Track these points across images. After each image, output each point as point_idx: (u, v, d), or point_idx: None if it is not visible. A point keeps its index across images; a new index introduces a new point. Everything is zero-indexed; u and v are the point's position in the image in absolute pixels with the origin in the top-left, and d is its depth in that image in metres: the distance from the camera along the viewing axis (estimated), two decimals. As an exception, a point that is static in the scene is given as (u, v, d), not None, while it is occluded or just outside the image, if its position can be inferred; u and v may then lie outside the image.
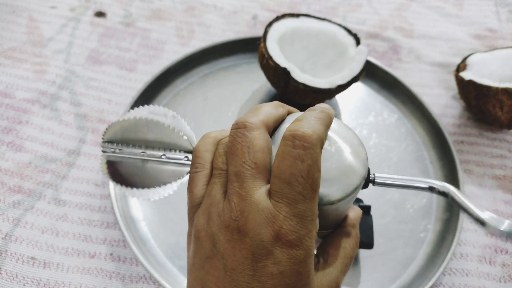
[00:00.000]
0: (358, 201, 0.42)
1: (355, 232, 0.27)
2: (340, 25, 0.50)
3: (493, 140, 0.51)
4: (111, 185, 0.42)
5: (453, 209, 0.44)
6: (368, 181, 0.26)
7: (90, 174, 0.45)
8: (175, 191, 0.28)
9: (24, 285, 0.38)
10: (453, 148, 0.47)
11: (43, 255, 0.40)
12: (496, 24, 0.65)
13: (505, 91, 0.46)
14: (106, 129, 0.27)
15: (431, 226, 0.43)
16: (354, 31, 0.51)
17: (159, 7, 0.63)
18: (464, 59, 0.53)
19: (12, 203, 0.43)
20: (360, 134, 0.50)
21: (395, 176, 0.27)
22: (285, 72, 0.44)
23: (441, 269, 0.39)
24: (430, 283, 0.38)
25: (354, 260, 0.41)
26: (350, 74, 0.46)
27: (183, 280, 0.39)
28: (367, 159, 0.25)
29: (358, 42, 0.48)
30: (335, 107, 0.52)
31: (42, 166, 0.45)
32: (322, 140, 0.22)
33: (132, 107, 0.48)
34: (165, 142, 0.28)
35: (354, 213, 0.29)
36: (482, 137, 0.51)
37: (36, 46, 0.57)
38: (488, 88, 0.47)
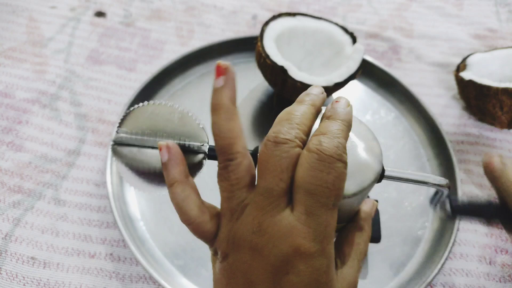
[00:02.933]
0: None
1: (368, 226, 0.27)
2: (336, 24, 0.50)
3: (493, 140, 0.51)
4: (109, 185, 0.42)
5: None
6: (382, 175, 0.26)
7: (90, 174, 0.45)
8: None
9: (24, 285, 0.38)
10: (450, 146, 0.47)
11: (43, 255, 0.40)
12: (496, 24, 0.65)
13: (505, 91, 0.45)
14: (121, 119, 0.27)
15: (428, 224, 0.44)
16: (354, 31, 0.51)
17: (159, 7, 0.63)
18: (464, 59, 0.53)
19: (12, 203, 0.43)
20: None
21: (404, 171, 0.27)
22: (282, 71, 0.44)
23: (439, 267, 0.39)
24: (428, 281, 0.38)
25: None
26: (347, 72, 0.46)
27: (182, 280, 0.39)
28: (382, 154, 0.25)
29: (354, 40, 0.48)
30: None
31: (42, 166, 0.46)
32: (345, 153, 0.22)
33: (130, 107, 0.48)
34: (180, 131, 0.27)
35: (367, 206, 0.28)
36: (482, 137, 0.51)
37: (36, 46, 0.57)
38: (488, 88, 0.47)
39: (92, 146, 0.47)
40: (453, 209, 0.32)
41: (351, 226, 0.27)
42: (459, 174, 0.45)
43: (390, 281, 0.40)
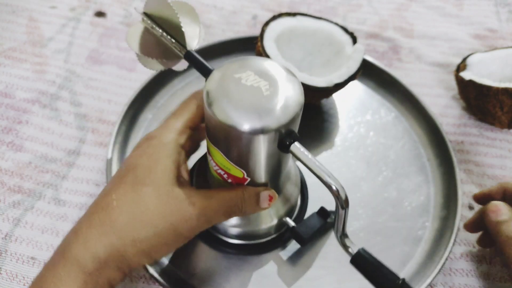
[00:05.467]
0: (322, 210, 0.40)
1: (240, 191, 0.32)
2: (337, 24, 0.50)
3: (493, 140, 0.51)
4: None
5: (450, 207, 0.44)
6: (284, 140, 0.27)
7: (90, 174, 0.45)
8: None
9: (24, 285, 0.38)
10: (450, 146, 0.47)
11: (43, 255, 0.40)
12: (496, 24, 0.65)
13: (505, 91, 0.46)
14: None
15: (428, 224, 0.43)
16: (354, 31, 0.51)
17: (159, 7, 0.63)
18: (464, 59, 0.53)
19: (12, 203, 0.43)
20: (357, 132, 0.50)
21: (310, 157, 0.28)
22: (283, 72, 0.44)
23: (439, 267, 0.39)
24: (429, 281, 0.38)
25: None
26: (347, 73, 0.46)
27: (182, 279, 0.39)
28: (302, 93, 0.27)
29: (354, 40, 0.48)
30: (332, 105, 0.52)
31: (42, 166, 0.46)
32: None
33: (130, 107, 0.48)
34: (175, 30, 0.32)
35: (263, 187, 0.33)
36: (482, 137, 0.51)
37: (36, 46, 0.57)
38: (488, 88, 0.47)
39: (92, 146, 0.47)
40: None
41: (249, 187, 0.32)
42: (459, 174, 0.45)
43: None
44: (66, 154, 0.47)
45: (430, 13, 0.66)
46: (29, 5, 0.62)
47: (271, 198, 0.33)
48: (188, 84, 0.53)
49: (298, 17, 0.49)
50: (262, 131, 0.25)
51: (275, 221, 0.38)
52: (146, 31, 0.34)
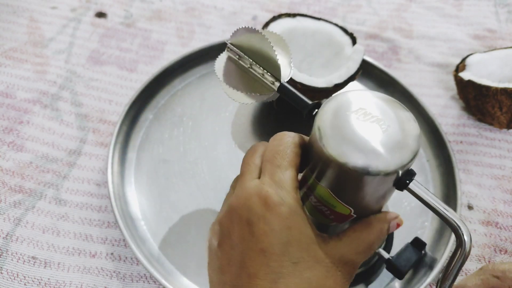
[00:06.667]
0: (417, 241, 0.38)
1: (379, 226, 0.29)
2: (336, 24, 0.50)
3: (492, 140, 0.51)
4: (110, 184, 0.42)
5: (449, 207, 0.44)
6: (403, 179, 0.25)
7: (91, 174, 0.46)
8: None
9: (25, 284, 0.38)
10: (449, 146, 0.47)
11: (44, 254, 0.40)
12: (495, 24, 0.65)
13: (504, 91, 0.46)
14: (236, 30, 0.32)
15: (428, 224, 0.44)
16: (353, 32, 0.51)
17: (159, 8, 0.64)
18: (463, 60, 0.53)
19: (13, 202, 0.43)
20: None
21: (430, 194, 0.26)
22: (283, 72, 0.44)
23: (439, 267, 0.39)
24: (429, 280, 0.38)
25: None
26: (347, 73, 0.46)
27: (182, 279, 0.39)
28: (419, 129, 0.25)
29: (354, 41, 0.49)
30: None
31: (43, 166, 0.46)
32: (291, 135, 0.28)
33: (131, 107, 0.48)
34: (266, 62, 0.31)
35: (393, 214, 0.30)
36: (481, 137, 0.51)
37: (37, 46, 0.57)
38: (487, 88, 0.47)
39: (93, 146, 0.48)
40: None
41: (363, 219, 0.29)
42: (458, 174, 0.45)
43: (390, 281, 0.40)
44: (67, 154, 0.47)
45: (430, 13, 0.66)
46: (30, 6, 0.62)
47: (398, 226, 0.30)
48: (188, 85, 0.54)
49: (298, 18, 0.50)
50: (380, 172, 0.24)
51: None
52: (231, 62, 0.33)
